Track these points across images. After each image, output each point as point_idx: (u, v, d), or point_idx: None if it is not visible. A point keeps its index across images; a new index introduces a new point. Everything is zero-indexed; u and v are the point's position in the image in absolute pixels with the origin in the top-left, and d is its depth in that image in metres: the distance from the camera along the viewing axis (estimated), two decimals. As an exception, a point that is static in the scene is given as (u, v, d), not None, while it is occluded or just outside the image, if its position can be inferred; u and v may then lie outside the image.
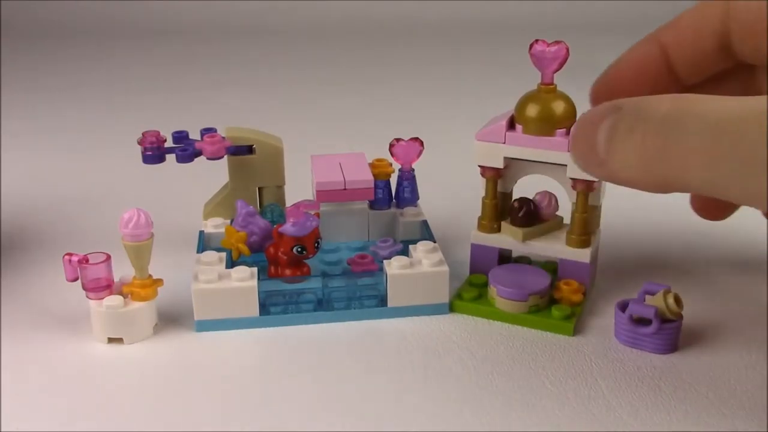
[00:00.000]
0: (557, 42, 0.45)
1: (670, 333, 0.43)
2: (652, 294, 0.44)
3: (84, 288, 0.44)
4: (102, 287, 0.44)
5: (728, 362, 0.42)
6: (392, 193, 0.54)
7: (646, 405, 0.39)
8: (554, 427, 0.37)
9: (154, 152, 0.51)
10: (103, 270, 0.44)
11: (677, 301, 0.43)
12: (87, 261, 0.43)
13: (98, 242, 0.49)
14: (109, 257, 0.44)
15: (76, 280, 0.44)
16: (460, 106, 0.94)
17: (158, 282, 0.45)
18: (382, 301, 0.46)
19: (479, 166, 0.47)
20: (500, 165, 0.47)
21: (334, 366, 0.42)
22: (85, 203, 0.64)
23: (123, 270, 0.45)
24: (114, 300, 0.43)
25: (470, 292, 0.47)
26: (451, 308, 0.47)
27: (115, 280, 0.45)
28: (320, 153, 0.54)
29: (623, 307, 0.44)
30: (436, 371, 0.42)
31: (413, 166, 0.53)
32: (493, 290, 0.46)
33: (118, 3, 1.39)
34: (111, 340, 0.44)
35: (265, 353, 0.44)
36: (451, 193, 0.53)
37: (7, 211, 0.62)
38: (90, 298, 0.44)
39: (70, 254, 0.43)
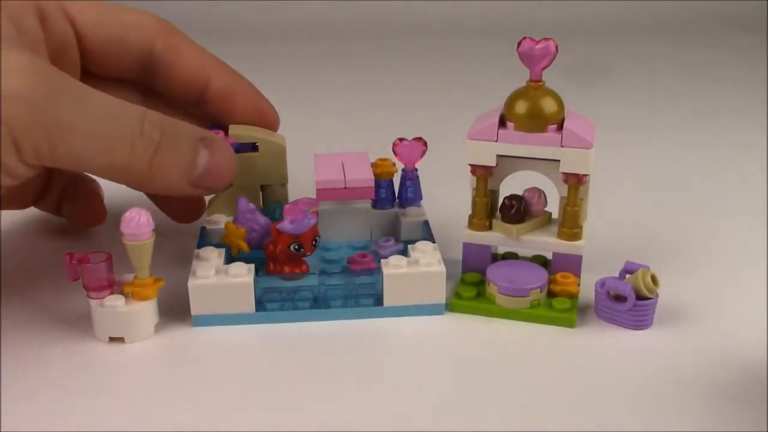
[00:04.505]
0: (546, 39, 0.45)
1: (645, 310, 0.44)
2: (632, 273, 0.45)
3: (85, 287, 0.44)
4: (103, 287, 0.44)
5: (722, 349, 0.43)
6: (395, 192, 0.54)
7: (647, 405, 0.39)
8: (555, 426, 0.37)
9: (156, 152, 0.51)
10: (104, 269, 0.44)
11: (654, 279, 0.44)
12: (88, 260, 0.43)
13: (99, 242, 0.49)
14: (110, 257, 0.44)
15: (77, 279, 0.44)
16: (463, 105, 0.93)
17: (159, 281, 0.45)
18: (379, 300, 0.46)
19: (470, 164, 0.47)
20: (493, 163, 0.47)
21: (329, 364, 0.42)
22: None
23: (124, 269, 0.45)
24: (115, 300, 0.44)
25: (468, 290, 0.47)
26: (450, 308, 0.47)
27: (116, 279, 0.45)
28: (324, 152, 0.54)
29: (603, 284, 0.45)
30: (433, 371, 0.42)
31: (416, 166, 0.53)
32: (492, 287, 0.46)
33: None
34: (112, 340, 0.44)
35: (261, 350, 0.44)
36: (455, 192, 0.52)
37: (8, 210, 0.62)
38: (91, 298, 0.44)
39: (71, 254, 0.44)
